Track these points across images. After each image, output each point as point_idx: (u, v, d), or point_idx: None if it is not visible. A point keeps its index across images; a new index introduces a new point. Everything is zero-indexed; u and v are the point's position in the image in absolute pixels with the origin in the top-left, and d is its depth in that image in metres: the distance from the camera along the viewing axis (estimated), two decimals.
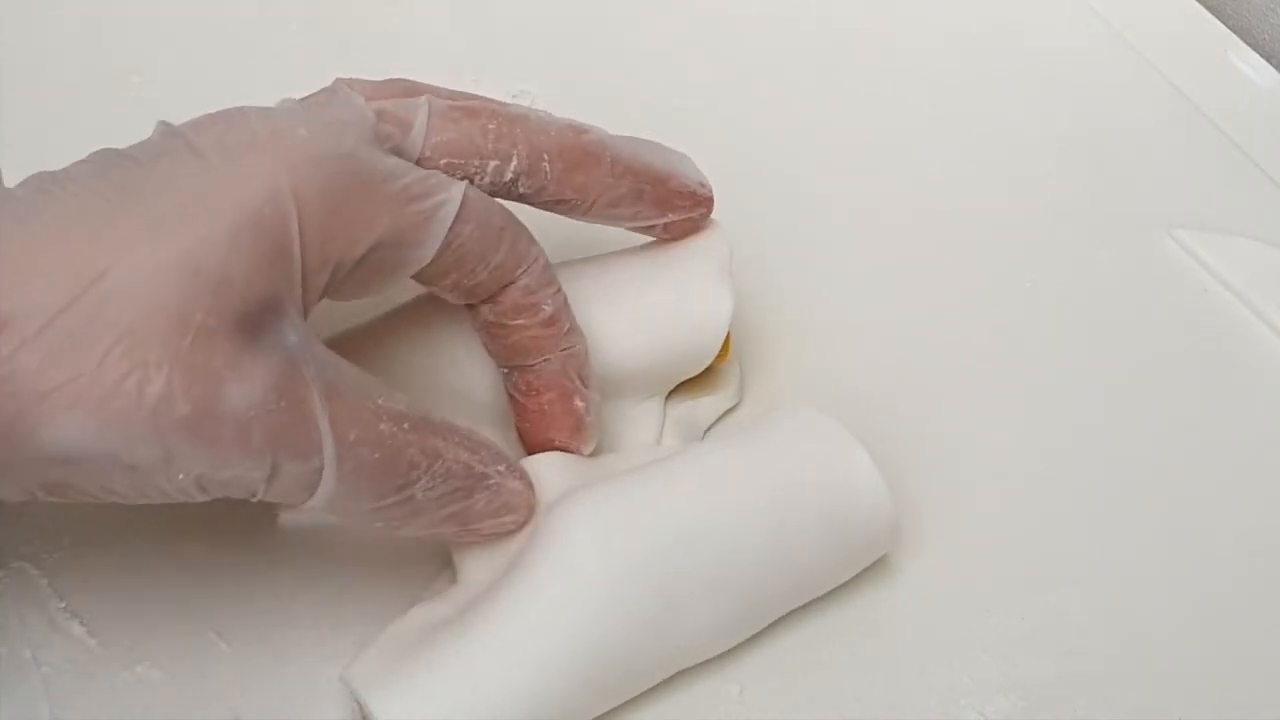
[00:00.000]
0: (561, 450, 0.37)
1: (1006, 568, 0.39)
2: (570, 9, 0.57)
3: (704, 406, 0.41)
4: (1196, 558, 0.41)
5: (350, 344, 0.39)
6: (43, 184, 0.30)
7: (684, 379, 0.41)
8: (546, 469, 0.36)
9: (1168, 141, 0.56)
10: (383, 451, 0.31)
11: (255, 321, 0.30)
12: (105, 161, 0.30)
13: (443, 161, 0.35)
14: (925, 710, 0.36)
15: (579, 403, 0.37)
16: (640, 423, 0.40)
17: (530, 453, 0.37)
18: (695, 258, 0.40)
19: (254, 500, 0.31)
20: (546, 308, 0.36)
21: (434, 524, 0.33)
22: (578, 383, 0.37)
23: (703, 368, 0.40)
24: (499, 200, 0.35)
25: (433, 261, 0.33)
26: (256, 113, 0.32)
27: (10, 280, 0.28)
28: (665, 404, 0.41)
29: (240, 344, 0.29)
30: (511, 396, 0.37)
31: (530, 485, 0.35)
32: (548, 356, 0.36)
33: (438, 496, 0.33)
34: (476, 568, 0.35)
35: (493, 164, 0.35)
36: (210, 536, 0.36)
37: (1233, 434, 0.44)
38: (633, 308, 0.39)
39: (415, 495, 0.32)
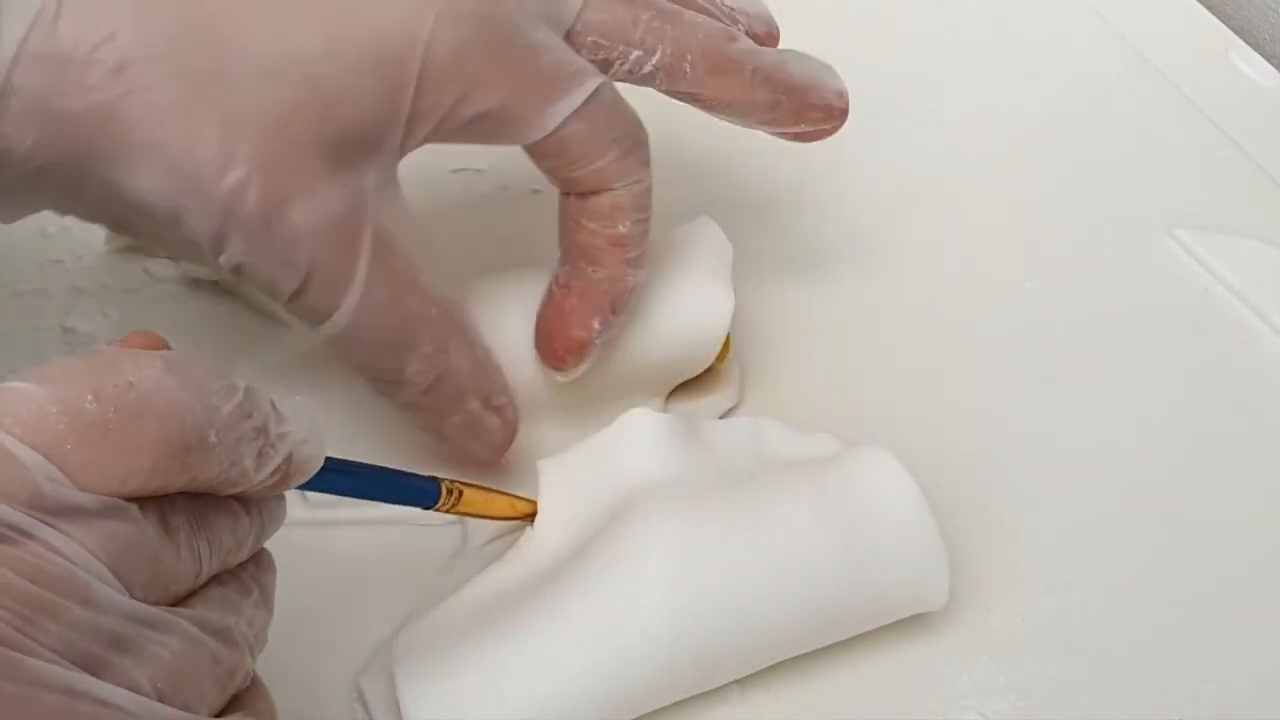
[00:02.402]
0: (547, 365, 0.37)
1: (1006, 568, 0.39)
2: None
3: (704, 407, 0.41)
4: (1196, 557, 0.41)
5: None
6: None
7: (684, 379, 0.41)
8: (645, 424, 0.36)
9: (1168, 141, 0.56)
10: (398, 322, 0.33)
11: (346, 150, 0.31)
12: None
13: (589, 39, 0.35)
14: (925, 710, 0.36)
15: (595, 325, 0.36)
16: None
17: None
18: (696, 258, 0.40)
19: (275, 304, 0.32)
20: (621, 228, 0.35)
21: (407, 410, 0.35)
22: (606, 307, 0.36)
23: (703, 368, 0.40)
24: (628, 104, 0.35)
25: (536, 143, 0.34)
26: None
27: (147, 29, 0.29)
28: (666, 404, 0.41)
29: (323, 166, 0.31)
30: (552, 280, 0.37)
31: (511, 429, 0.36)
32: (598, 270, 0.36)
33: (424, 386, 0.34)
34: (543, 543, 0.36)
35: (635, 53, 0.36)
36: None
37: (1233, 434, 0.44)
38: (632, 306, 0.39)
39: (406, 373, 0.34)
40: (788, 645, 0.35)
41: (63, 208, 0.32)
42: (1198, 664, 0.38)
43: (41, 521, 0.21)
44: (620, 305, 0.37)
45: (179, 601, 0.24)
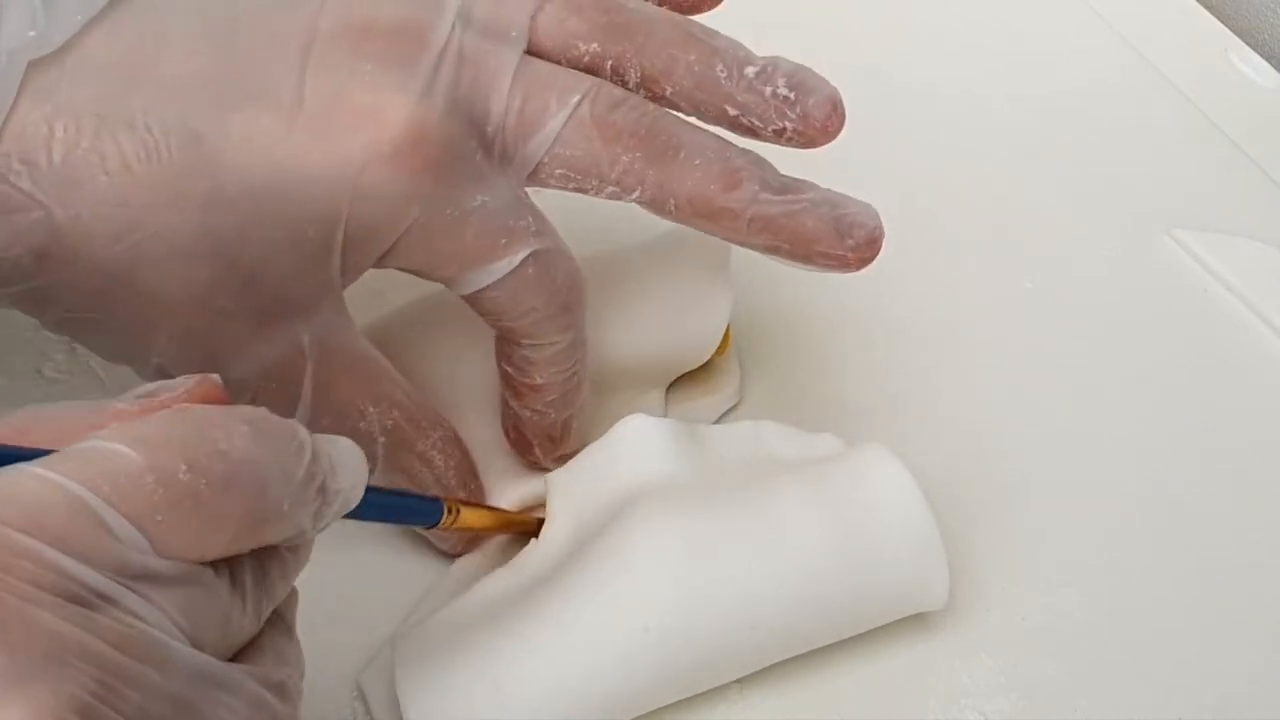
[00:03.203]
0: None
1: (1006, 568, 0.39)
2: None
3: (704, 407, 0.41)
4: (1196, 557, 0.41)
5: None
6: (141, 61, 0.29)
7: (685, 371, 0.41)
8: (645, 429, 0.36)
9: (1168, 141, 0.56)
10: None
11: (273, 318, 0.31)
12: (215, 48, 0.30)
13: (558, 172, 0.33)
14: (925, 710, 0.36)
15: (538, 454, 0.37)
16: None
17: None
18: (695, 252, 0.40)
19: None
20: (539, 379, 0.35)
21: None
22: (544, 439, 0.36)
23: (703, 360, 0.40)
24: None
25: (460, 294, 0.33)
26: (381, 61, 0.30)
27: (65, 216, 0.29)
28: (667, 402, 0.41)
29: (251, 330, 0.30)
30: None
31: (461, 450, 0.36)
32: (524, 409, 0.36)
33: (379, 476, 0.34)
34: (546, 551, 0.35)
35: (609, 189, 0.33)
36: None
37: (1233, 434, 0.44)
38: (633, 301, 0.39)
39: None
40: (788, 643, 0.35)
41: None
42: (1198, 664, 0.38)
43: (126, 587, 0.22)
44: (559, 435, 0.36)
45: (239, 655, 0.25)
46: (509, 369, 0.35)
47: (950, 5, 0.61)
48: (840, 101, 0.35)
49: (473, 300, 0.33)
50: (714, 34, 0.35)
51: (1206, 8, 0.63)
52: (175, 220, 0.29)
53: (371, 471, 0.29)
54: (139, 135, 0.29)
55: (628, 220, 0.36)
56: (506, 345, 0.35)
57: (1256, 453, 0.44)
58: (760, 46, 0.44)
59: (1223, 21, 0.62)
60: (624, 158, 0.33)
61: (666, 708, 0.34)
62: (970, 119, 0.55)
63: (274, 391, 0.31)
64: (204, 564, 0.23)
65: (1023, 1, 0.62)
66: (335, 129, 0.30)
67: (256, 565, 0.25)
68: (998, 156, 0.54)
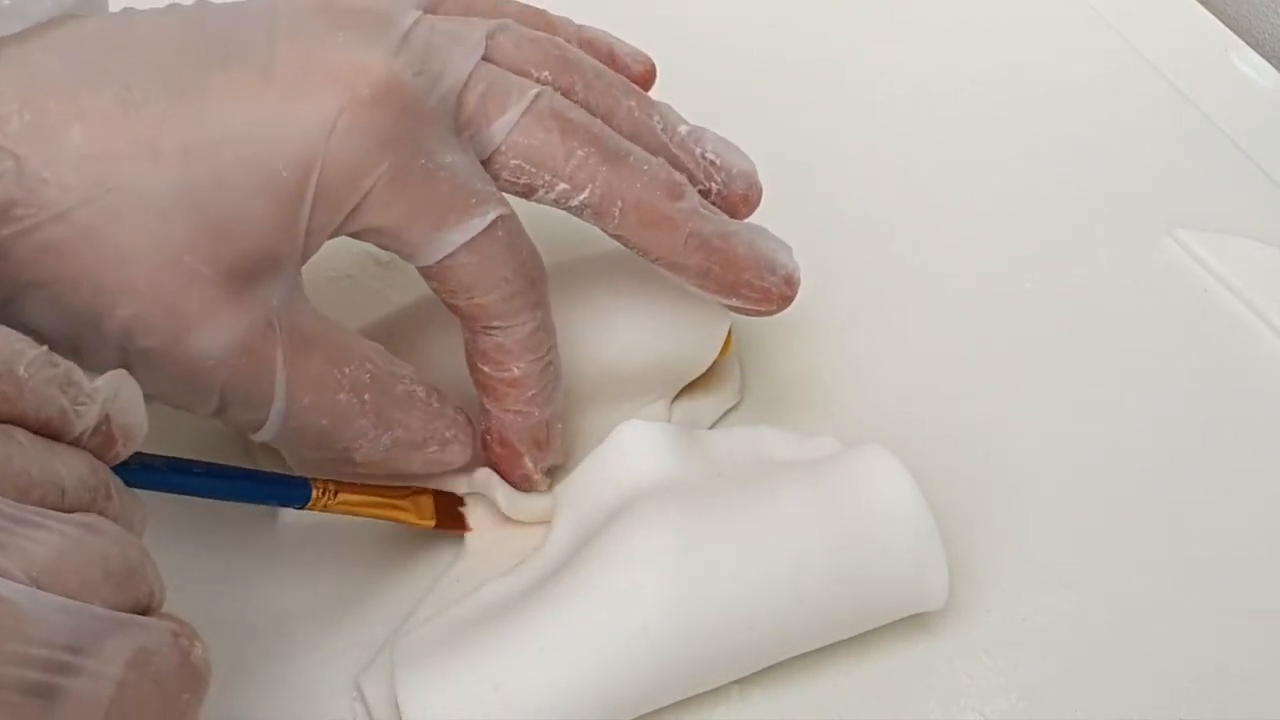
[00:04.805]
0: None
1: (1007, 568, 0.39)
2: None
3: (705, 407, 0.41)
4: (1197, 557, 0.41)
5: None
6: (114, 33, 0.30)
7: (689, 380, 0.41)
8: (642, 433, 0.36)
9: (1168, 141, 0.56)
10: (332, 419, 0.32)
11: (245, 274, 0.30)
12: (186, 23, 0.31)
13: (512, 162, 0.33)
14: (925, 710, 0.36)
15: (528, 464, 0.36)
16: None
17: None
18: None
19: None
20: (515, 370, 0.34)
21: (369, 468, 0.35)
22: (531, 446, 0.36)
23: (705, 367, 0.40)
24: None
25: (424, 267, 0.33)
26: (353, 31, 0.31)
27: (34, 169, 0.28)
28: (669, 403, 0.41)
29: (222, 294, 0.30)
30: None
31: (470, 442, 0.36)
32: (505, 411, 0.35)
33: (379, 452, 0.34)
34: (548, 558, 0.36)
35: (561, 185, 0.34)
36: (210, 537, 0.36)
37: (1233, 434, 0.44)
38: (633, 304, 0.39)
39: (355, 454, 0.34)
40: (787, 643, 0.35)
41: None
42: (1198, 664, 0.38)
43: None
44: (545, 440, 0.36)
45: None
46: (484, 368, 0.35)
47: (950, 5, 0.61)
48: (757, 180, 0.38)
49: (443, 273, 0.33)
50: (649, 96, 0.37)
51: (1206, 8, 0.63)
52: (150, 171, 0.29)
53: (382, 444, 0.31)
54: (117, 90, 0.29)
55: None
56: (478, 338, 0.34)
57: (1256, 452, 0.44)
58: (758, 47, 0.44)
59: (1223, 21, 0.62)
60: (579, 152, 0.33)
61: (666, 708, 0.34)
62: (970, 118, 0.55)
63: (248, 365, 0.31)
64: None
65: (1022, 1, 0.62)
66: (313, 81, 0.30)
67: (37, 438, 0.25)
68: (997, 156, 0.54)
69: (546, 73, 0.35)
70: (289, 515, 0.37)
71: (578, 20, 0.39)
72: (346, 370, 0.32)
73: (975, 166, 0.53)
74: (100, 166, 0.29)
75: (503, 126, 0.33)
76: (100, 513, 0.26)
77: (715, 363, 0.41)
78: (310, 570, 0.37)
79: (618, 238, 0.35)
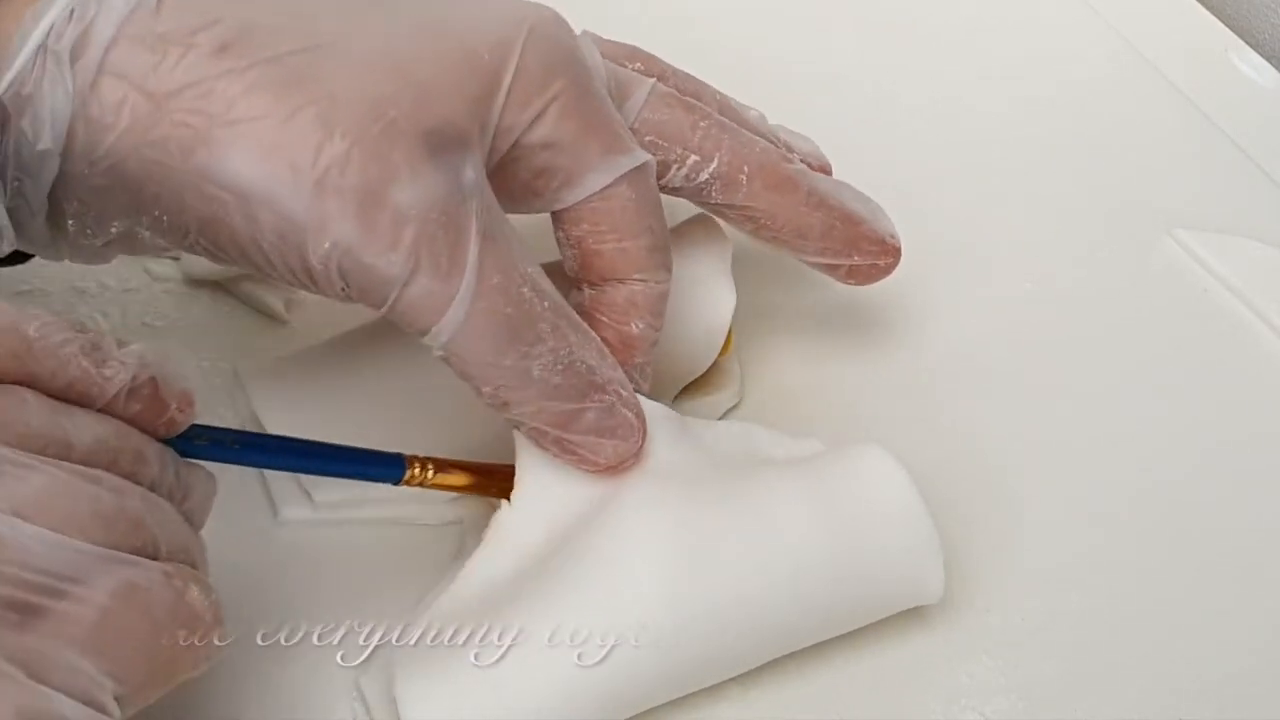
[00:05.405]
0: None
1: (1006, 568, 0.39)
2: None
3: (705, 406, 0.41)
4: (1196, 557, 0.41)
5: (349, 344, 0.39)
6: None
7: (689, 379, 0.41)
8: (650, 421, 0.35)
9: (1168, 141, 0.56)
10: (517, 309, 0.31)
11: (441, 142, 0.31)
12: None
13: (647, 139, 0.36)
14: (925, 710, 0.36)
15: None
16: None
17: None
18: (696, 255, 0.40)
19: (382, 312, 0.31)
20: (635, 327, 0.35)
21: (537, 414, 0.32)
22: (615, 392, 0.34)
23: (706, 365, 0.40)
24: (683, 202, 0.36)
25: (574, 206, 0.34)
26: None
27: (247, 17, 0.30)
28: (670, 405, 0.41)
29: (423, 152, 0.30)
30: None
31: (644, 424, 0.34)
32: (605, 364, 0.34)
33: (553, 385, 0.32)
34: (526, 518, 0.35)
35: (693, 159, 0.36)
36: (211, 537, 0.36)
37: (1233, 434, 0.44)
38: None
39: (532, 370, 0.32)
40: (785, 636, 0.35)
41: (147, 217, 0.31)
42: (1198, 664, 0.38)
43: None
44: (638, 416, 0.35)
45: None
46: (605, 318, 0.35)
47: (950, 5, 0.61)
48: (825, 158, 0.41)
49: (602, 205, 0.33)
50: None
51: (1206, 8, 0.63)
52: (355, 32, 0.31)
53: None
54: None
55: None
56: (608, 288, 0.35)
57: (1256, 452, 0.44)
58: (761, 44, 0.44)
59: (1223, 21, 0.62)
60: (702, 124, 0.36)
61: (665, 707, 0.34)
62: (970, 118, 0.55)
63: (444, 226, 0.30)
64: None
65: (1022, 1, 0.62)
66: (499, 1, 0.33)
67: (49, 399, 0.27)
68: (997, 156, 0.54)
69: (639, 65, 0.38)
70: (289, 515, 0.37)
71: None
72: (529, 270, 0.32)
73: (975, 166, 0.53)
74: (304, 25, 0.30)
75: (634, 105, 0.36)
76: (129, 476, 0.27)
77: (715, 363, 0.41)
78: (310, 570, 0.37)
79: (744, 210, 0.37)
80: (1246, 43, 0.61)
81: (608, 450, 0.33)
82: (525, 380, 0.32)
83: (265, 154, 0.29)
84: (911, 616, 0.36)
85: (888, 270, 0.40)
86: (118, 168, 0.30)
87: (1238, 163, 0.55)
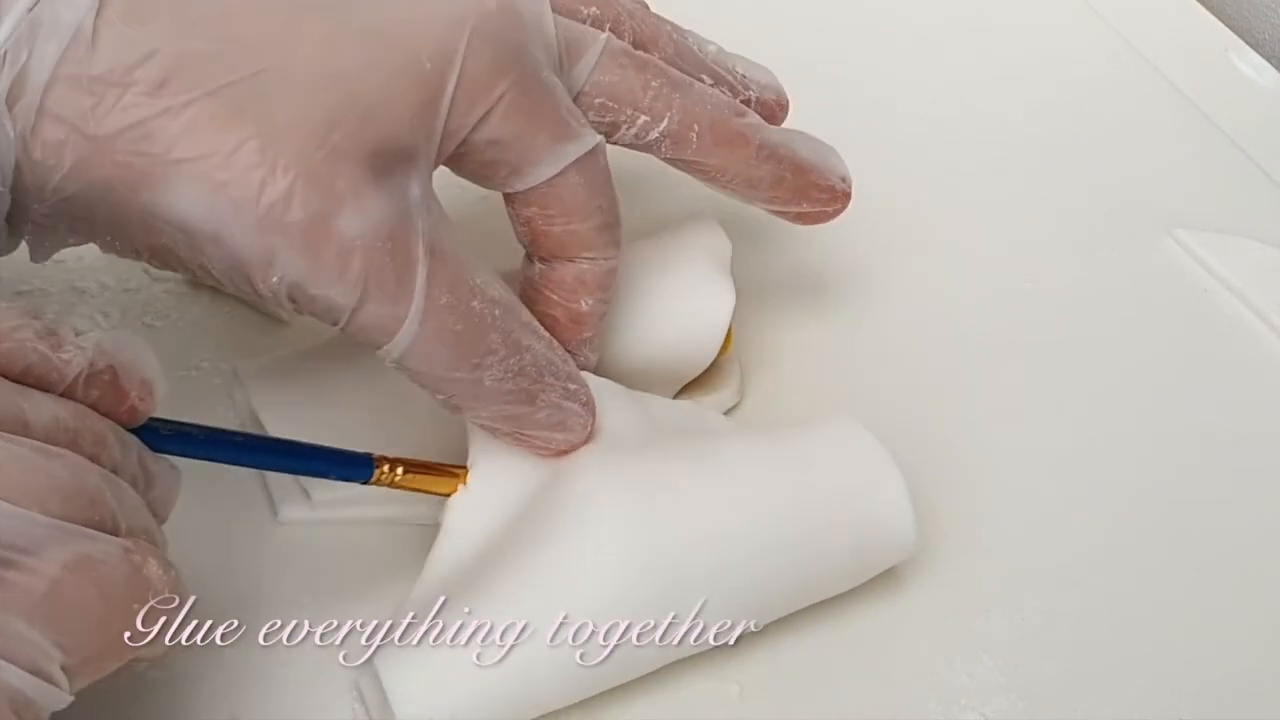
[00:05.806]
0: None
1: (1007, 568, 0.39)
2: None
3: (705, 406, 0.41)
4: (1197, 557, 0.41)
5: (349, 344, 0.39)
6: None
7: (689, 379, 0.41)
8: (599, 395, 0.36)
9: (1168, 141, 0.56)
10: (466, 325, 0.32)
11: (387, 162, 0.31)
12: None
13: (597, 101, 0.36)
14: (925, 710, 0.36)
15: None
16: None
17: None
18: (696, 254, 0.40)
19: (336, 329, 0.31)
20: (584, 304, 0.35)
21: (493, 417, 0.34)
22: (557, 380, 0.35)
23: (705, 365, 0.40)
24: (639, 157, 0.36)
25: (525, 191, 0.34)
26: None
27: (185, 47, 0.29)
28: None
29: (367, 176, 0.30)
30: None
31: (592, 413, 0.35)
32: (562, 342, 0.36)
33: (505, 391, 0.33)
34: (483, 495, 0.35)
35: (642, 119, 0.36)
36: (210, 537, 0.36)
37: (1233, 434, 0.44)
38: (634, 303, 0.39)
39: (484, 380, 0.33)
40: (756, 591, 0.34)
41: (100, 241, 0.32)
42: (1198, 664, 0.38)
43: None
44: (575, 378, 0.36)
45: None
46: (554, 296, 0.35)
47: (950, 5, 0.61)
48: (784, 91, 0.42)
49: (551, 191, 0.34)
50: None
51: (1206, 8, 0.63)
52: (295, 51, 0.30)
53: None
54: None
55: (627, 225, 0.36)
56: (556, 266, 0.35)
57: (1256, 452, 0.44)
58: (761, 45, 0.44)
59: (1223, 21, 0.62)
60: (653, 84, 0.36)
61: (664, 707, 0.34)
62: (970, 118, 0.55)
63: (391, 252, 0.30)
64: None
65: (1022, 1, 0.62)
66: None
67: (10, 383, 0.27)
68: (997, 156, 0.54)
69: (595, 9, 0.37)
70: (289, 515, 0.37)
71: None
72: (478, 281, 0.32)
73: (975, 166, 0.53)
74: (243, 50, 0.30)
75: (584, 69, 0.35)
76: (90, 458, 0.27)
77: (715, 362, 0.41)
78: (310, 570, 0.37)
79: (693, 163, 0.38)
80: (1246, 43, 0.61)
81: (559, 440, 0.35)
82: (478, 389, 0.33)
83: (209, 192, 0.29)
84: (911, 617, 0.37)
85: (835, 214, 0.40)
86: (68, 201, 0.30)
87: (1238, 163, 0.55)
